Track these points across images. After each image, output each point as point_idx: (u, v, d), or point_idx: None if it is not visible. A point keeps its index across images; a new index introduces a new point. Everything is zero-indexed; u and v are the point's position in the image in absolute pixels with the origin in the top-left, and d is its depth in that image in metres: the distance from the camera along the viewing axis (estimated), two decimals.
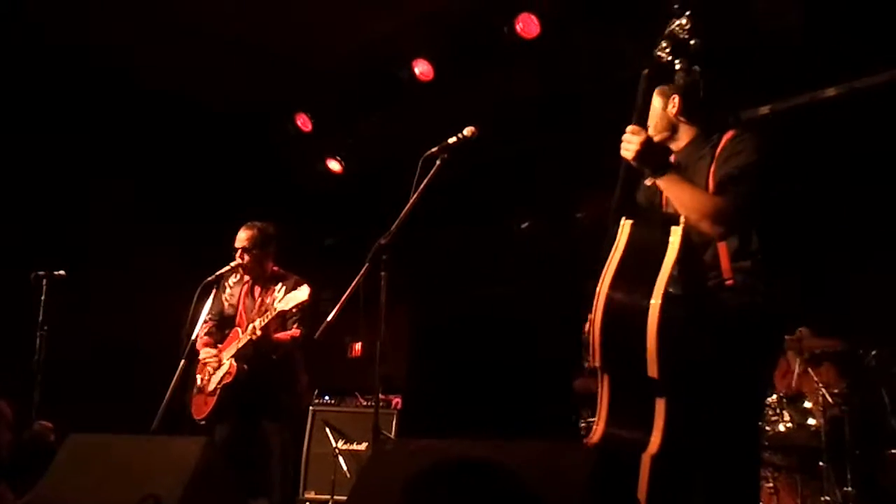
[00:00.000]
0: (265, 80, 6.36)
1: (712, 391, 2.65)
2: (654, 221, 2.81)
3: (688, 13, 2.78)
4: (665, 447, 2.50)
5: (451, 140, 3.43)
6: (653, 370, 2.49)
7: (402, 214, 3.33)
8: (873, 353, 4.85)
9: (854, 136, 5.13)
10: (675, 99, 2.98)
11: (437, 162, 3.40)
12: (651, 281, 2.56)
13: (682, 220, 2.71)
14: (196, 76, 6.29)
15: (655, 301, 2.52)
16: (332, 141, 7.03)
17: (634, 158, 2.79)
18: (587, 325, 2.74)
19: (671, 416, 2.52)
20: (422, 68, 5.94)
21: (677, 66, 2.80)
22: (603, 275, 2.66)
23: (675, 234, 2.67)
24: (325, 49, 6.05)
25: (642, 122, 2.89)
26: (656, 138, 2.99)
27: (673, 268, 2.58)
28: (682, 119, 3.00)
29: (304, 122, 6.78)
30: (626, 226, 2.75)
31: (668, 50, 2.82)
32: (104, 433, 3.23)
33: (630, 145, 2.80)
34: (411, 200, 3.35)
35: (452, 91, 5.97)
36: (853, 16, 4.74)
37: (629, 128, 2.81)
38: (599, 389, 2.67)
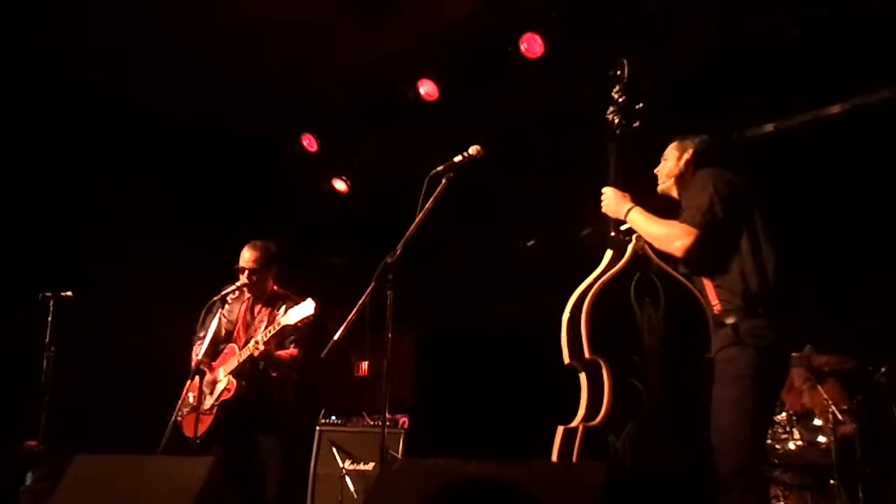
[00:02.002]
0: (270, 100, 6.39)
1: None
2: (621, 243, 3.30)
3: (617, 86, 3.40)
4: (611, 416, 2.96)
5: (457, 159, 3.44)
6: (587, 352, 3.01)
7: (408, 233, 3.33)
8: (883, 369, 4.82)
9: (859, 152, 5.13)
10: (689, 151, 3.49)
11: (443, 180, 3.40)
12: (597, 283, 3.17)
13: (634, 237, 3.24)
14: (201, 98, 6.32)
15: (590, 295, 3.09)
16: (338, 161, 7.05)
17: (605, 210, 3.36)
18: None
19: (616, 387, 2.99)
20: (427, 88, 5.97)
21: (616, 122, 3.36)
22: (576, 290, 3.19)
23: (628, 249, 3.24)
24: (331, 69, 6.09)
25: (618, 183, 3.40)
26: (665, 185, 3.54)
27: (618, 272, 3.16)
28: (690, 168, 3.47)
29: (309, 142, 6.81)
30: (607, 255, 3.28)
31: (612, 112, 3.39)
32: (111, 454, 3.22)
33: (602, 200, 3.39)
34: (417, 219, 3.35)
35: (457, 110, 5.99)
36: (855, 32, 4.76)
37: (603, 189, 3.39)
38: (581, 383, 3.12)
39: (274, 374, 4.49)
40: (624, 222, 3.32)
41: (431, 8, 5.49)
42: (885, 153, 5.01)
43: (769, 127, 5.42)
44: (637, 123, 3.38)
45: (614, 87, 3.42)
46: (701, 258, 3.21)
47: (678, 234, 3.18)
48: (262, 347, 4.34)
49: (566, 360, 3.11)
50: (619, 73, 3.43)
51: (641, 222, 3.26)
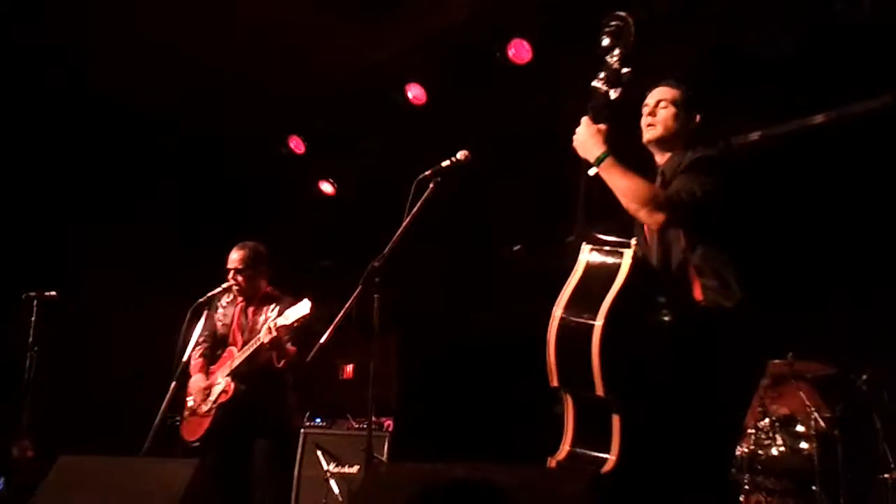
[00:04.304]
0: (259, 103, 6.39)
1: (675, 410, 2.69)
2: (610, 246, 2.85)
3: (617, 49, 2.86)
4: (620, 465, 2.55)
5: (445, 163, 3.45)
6: (599, 389, 2.57)
7: (395, 237, 3.34)
8: (864, 376, 4.86)
9: (843, 161, 5.18)
10: (698, 119, 3.04)
11: (430, 185, 3.41)
12: (599, 303, 2.64)
13: (633, 242, 2.77)
14: (190, 100, 6.31)
15: (598, 323, 2.59)
16: (325, 163, 7.05)
17: (575, 145, 2.90)
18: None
19: (627, 434, 2.58)
20: (415, 92, 5.98)
21: (612, 97, 2.87)
22: (559, 298, 2.75)
23: (626, 257, 2.73)
24: (320, 73, 6.09)
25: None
26: (655, 135, 3.04)
27: (622, 289, 2.65)
28: (690, 137, 3.03)
29: (297, 144, 6.80)
30: (585, 250, 2.82)
31: (604, 80, 2.87)
32: (94, 455, 3.21)
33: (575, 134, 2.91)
34: (404, 223, 3.36)
35: (445, 115, 6.01)
36: (845, 43, 4.81)
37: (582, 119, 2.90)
38: (565, 409, 2.76)
39: (281, 365, 4.48)
40: (591, 165, 2.88)
41: (421, 13, 5.50)
42: (871, 162, 5.06)
43: (755, 135, 5.45)
44: (618, 92, 2.89)
45: (612, 46, 2.87)
46: (669, 234, 2.92)
47: (657, 204, 2.77)
48: (274, 333, 4.29)
49: (553, 382, 2.73)
50: (619, 25, 2.86)
51: (616, 174, 2.82)
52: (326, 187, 7.17)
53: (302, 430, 6.03)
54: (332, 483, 5.64)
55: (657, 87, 3.09)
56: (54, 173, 6.12)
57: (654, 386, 2.67)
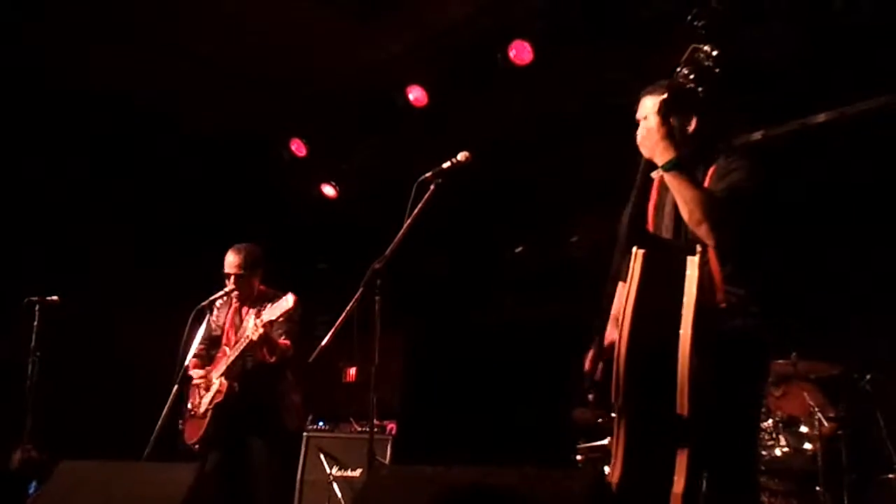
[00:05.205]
0: (260, 104, 6.39)
1: (714, 420, 2.59)
2: (666, 250, 2.71)
3: (709, 44, 2.65)
4: (689, 484, 2.42)
5: (445, 165, 3.44)
6: (683, 406, 2.40)
7: (396, 239, 3.33)
8: (868, 377, 4.85)
9: (845, 161, 5.18)
10: (694, 120, 2.86)
11: (431, 186, 3.41)
12: (675, 314, 2.48)
13: (698, 248, 2.59)
14: (191, 101, 6.32)
15: (686, 332, 2.44)
16: (327, 166, 7.05)
17: (641, 143, 2.74)
18: (588, 361, 2.75)
19: (694, 455, 2.44)
20: (416, 94, 5.98)
21: (700, 94, 2.69)
22: (622, 311, 2.56)
23: (693, 266, 2.54)
24: (320, 75, 6.09)
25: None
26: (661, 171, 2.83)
27: (699, 297, 2.49)
28: (687, 143, 2.83)
29: (298, 147, 6.80)
30: (638, 256, 2.63)
31: (690, 76, 2.67)
32: (96, 460, 3.20)
33: (645, 128, 2.72)
34: (405, 225, 3.35)
35: (446, 116, 6.01)
36: (845, 44, 4.80)
37: (653, 108, 2.71)
38: (616, 428, 2.56)
39: (272, 360, 4.47)
40: (652, 165, 2.71)
41: (421, 14, 5.49)
42: (873, 162, 5.05)
43: (757, 135, 5.45)
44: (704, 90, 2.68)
45: (704, 46, 2.66)
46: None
47: (721, 221, 2.61)
48: (261, 331, 4.32)
49: (618, 400, 2.50)
50: (714, 18, 2.77)
51: (685, 182, 2.64)
52: (329, 190, 7.17)
53: (305, 434, 6.02)
54: (335, 487, 5.64)
55: (644, 94, 2.89)
56: (54, 176, 6.12)
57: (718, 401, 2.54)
